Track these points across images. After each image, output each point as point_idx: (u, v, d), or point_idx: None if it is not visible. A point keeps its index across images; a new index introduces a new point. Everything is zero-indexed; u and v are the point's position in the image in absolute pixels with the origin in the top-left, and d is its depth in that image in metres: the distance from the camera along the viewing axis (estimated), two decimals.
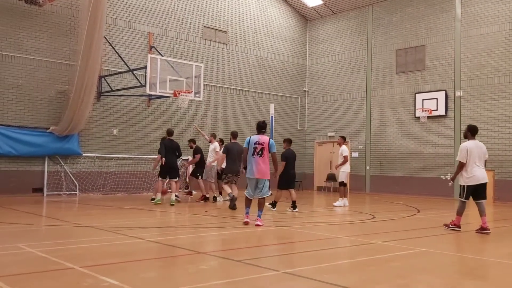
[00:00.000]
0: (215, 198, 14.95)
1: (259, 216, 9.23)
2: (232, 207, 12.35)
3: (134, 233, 8.21)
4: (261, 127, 9.63)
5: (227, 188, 13.14)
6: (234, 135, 13.60)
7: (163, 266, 5.72)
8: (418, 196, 19.00)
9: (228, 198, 13.31)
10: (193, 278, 5.11)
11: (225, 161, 13.66)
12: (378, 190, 21.03)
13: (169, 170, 13.67)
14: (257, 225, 9.06)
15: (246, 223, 9.23)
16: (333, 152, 23.07)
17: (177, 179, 13.87)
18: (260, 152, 9.35)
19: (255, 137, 9.52)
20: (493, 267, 6.21)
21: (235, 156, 13.11)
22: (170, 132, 14.04)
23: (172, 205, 13.15)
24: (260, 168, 9.29)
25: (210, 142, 15.49)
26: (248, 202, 9.52)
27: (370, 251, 7.07)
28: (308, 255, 6.64)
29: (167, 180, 14.13)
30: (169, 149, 13.68)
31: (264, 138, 9.48)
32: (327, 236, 8.55)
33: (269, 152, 9.44)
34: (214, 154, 14.91)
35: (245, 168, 9.58)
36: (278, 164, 11.16)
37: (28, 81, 16.04)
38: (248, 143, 9.48)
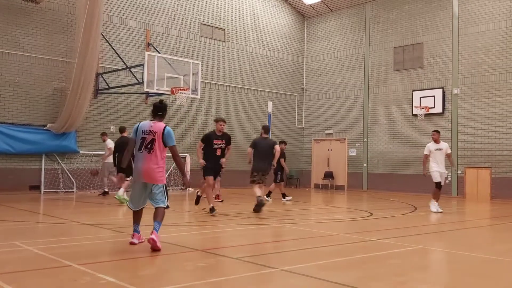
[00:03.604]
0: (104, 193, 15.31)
1: (155, 229, 6.34)
2: (258, 210, 10.97)
3: (132, 230, 8.19)
4: (157, 109, 6.72)
5: (257, 190, 11.27)
6: (266, 129, 12.03)
7: (160, 263, 5.72)
8: (415, 194, 19.03)
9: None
10: (190, 275, 5.12)
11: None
12: (375, 188, 21.07)
13: (124, 167, 13.15)
14: (152, 241, 6.18)
15: (132, 243, 6.61)
16: (331, 150, 23.10)
17: (129, 178, 12.69)
18: (149, 146, 6.49)
19: (146, 124, 6.64)
20: (490, 264, 6.22)
21: (263, 152, 11.52)
22: (121, 129, 13.93)
23: (120, 200, 12.62)
24: (148, 169, 6.46)
25: (103, 141, 15.51)
26: (135, 216, 6.74)
27: (367, 248, 7.08)
28: (305, 253, 6.65)
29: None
30: (121, 146, 12.97)
31: (158, 126, 6.56)
32: (324, 233, 8.56)
33: (165, 146, 6.58)
34: (107, 150, 15.18)
35: (121, 169, 7.12)
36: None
37: (25, 78, 16.00)
38: (136, 132, 6.66)
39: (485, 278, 5.44)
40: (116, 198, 12.87)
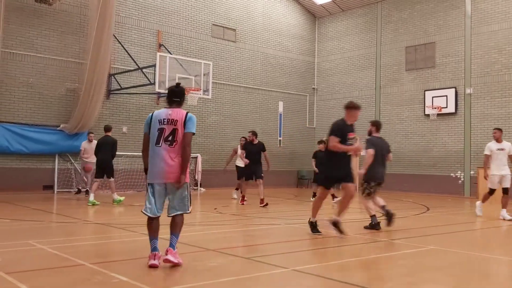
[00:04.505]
0: (79, 191, 15.29)
1: (172, 245, 5.36)
2: (391, 222, 8.74)
3: (144, 230, 8.21)
4: (173, 94, 5.54)
5: (371, 205, 9.04)
6: (377, 124, 9.60)
7: None
8: (428, 194, 18.91)
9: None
10: (202, 275, 5.14)
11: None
12: (387, 188, 20.79)
13: (103, 169, 12.60)
14: (167, 261, 5.28)
15: (154, 266, 5.23)
16: None
17: (112, 178, 12.74)
18: (170, 138, 5.33)
19: (161, 113, 5.47)
20: (503, 265, 6.17)
21: (382, 156, 9.06)
22: (107, 128, 13.16)
23: (119, 202, 12.55)
24: (171, 166, 5.32)
25: (90, 141, 14.82)
26: (153, 227, 5.47)
27: (379, 249, 7.05)
28: (316, 253, 6.65)
29: (104, 180, 12.98)
30: (103, 146, 12.73)
31: (178, 113, 5.40)
32: (335, 233, 8.53)
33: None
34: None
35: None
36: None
37: (38, 79, 16.17)
38: (149, 124, 5.48)
39: (498, 279, 5.40)
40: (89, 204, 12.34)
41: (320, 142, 14.69)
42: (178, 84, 5.68)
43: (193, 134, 5.40)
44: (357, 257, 6.48)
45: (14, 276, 4.77)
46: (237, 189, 15.24)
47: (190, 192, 5.49)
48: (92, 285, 4.62)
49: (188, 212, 5.50)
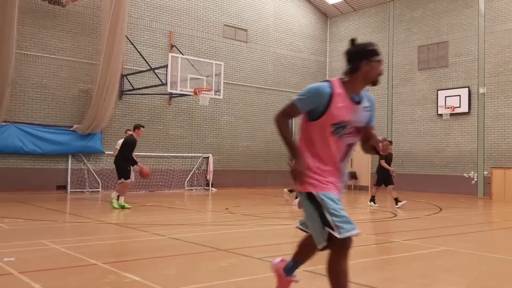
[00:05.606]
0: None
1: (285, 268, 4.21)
2: None
3: (156, 230, 8.30)
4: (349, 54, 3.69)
5: None
6: None
7: (184, 263, 5.77)
8: (441, 194, 18.76)
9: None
10: (213, 275, 5.15)
11: None
12: (399, 188, 20.74)
13: (116, 168, 12.13)
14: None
15: None
16: (354, 150, 22.91)
17: (120, 180, 11.78)
18: None
19: None
20: None
21: None
22: (135, 127, 12.13)
23: (116, 206, 11.55)
24: None
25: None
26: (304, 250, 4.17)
27: (391, 249, 7.01)
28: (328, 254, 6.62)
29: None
30: (121, 145, 12.12)
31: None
32: None
33: (309, 119, 3.77)
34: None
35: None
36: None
37: (51, 80, 16.31)
38: None
39: (511, 281, 5.34)
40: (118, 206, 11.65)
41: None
42: (351, 41, 3.76)
43: (293, 103, 3.70)
44: (369, 257, 6.45)
45: (28, 275, 4.82)
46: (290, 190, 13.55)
47: (319, 206, 3.39)
48: (105, 285, 4.65)
49: (321, 246, 3.49)
